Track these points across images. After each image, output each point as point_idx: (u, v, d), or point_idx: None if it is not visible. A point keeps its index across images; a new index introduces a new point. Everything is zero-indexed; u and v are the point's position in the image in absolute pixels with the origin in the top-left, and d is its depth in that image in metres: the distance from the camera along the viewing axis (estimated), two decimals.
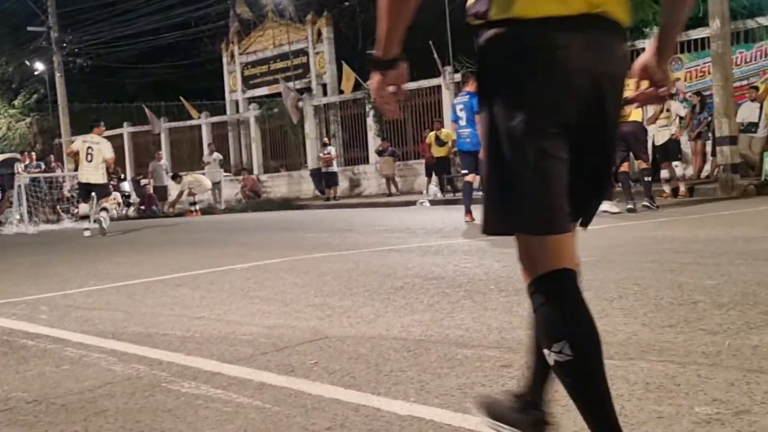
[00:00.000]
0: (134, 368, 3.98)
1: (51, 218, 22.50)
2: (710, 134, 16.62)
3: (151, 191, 26.52)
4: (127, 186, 28.78)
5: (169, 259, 9.76)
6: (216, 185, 25.96)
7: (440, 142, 20.86)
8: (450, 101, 19.33)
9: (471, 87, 11.82)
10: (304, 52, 29.58)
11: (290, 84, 28.23)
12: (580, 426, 2.17)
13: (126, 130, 34.72)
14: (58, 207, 23.47)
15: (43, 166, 26.46)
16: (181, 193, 24.77)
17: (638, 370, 3.30)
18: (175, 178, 25.77)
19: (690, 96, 17.72)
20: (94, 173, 15.42)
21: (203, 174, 25.87)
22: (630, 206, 11.94)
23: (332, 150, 24.84)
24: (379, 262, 7.75)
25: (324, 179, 25.01)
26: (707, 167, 17.41)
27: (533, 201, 2.07)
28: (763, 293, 4.78)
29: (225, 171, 27.94)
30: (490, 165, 2.14)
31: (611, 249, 7.58)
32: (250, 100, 31.86)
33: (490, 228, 2.18)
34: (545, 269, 2.11)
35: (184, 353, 4.24)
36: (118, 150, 31.88)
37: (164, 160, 28.60)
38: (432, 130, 21.71)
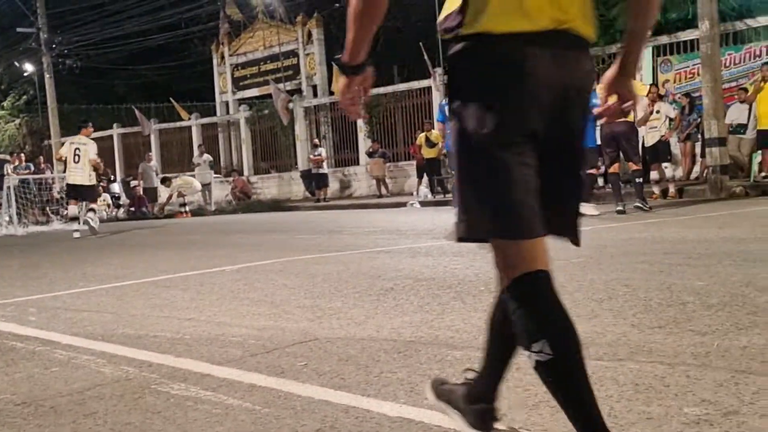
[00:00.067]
0: (124, 370, 3.97)
1: (40, 220, 22.43)
2: (699, 135, 16.67)
3: (141, 193, 26.45)
4: (116, 187, 28.73)
5: (159, 261, 9.74)
6: (206, 187, 25.93)
7: (431, 144, 20.87)
8: (440, 102, 19.36)
9: None
10: (294, 54, 29.57)
11: (280, 85, 28.20)
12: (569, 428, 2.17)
13: (116, 131, 34.67)
14: (47, 208, 23.39)
15: (32, 168, 26.36)
16: (170, 196, 24.73)
17: (627, 371, 3.31)
18: (165, 181, 25.72)
19: (679, 97, 17.77)
20: (81, 175, 15.44)
21: (193, 176, 25.83)
22: (619, 208, 11.96)
23: (323, 151, 24.83)
24: (369, 263, 7.75)
25: (314, 181, 24.99)
26: (696, 168, 17.46)
27: (506, 207, 2.13)
28: (751, 294, 4.80)
29: (215, 172, 27.91)
30: (461, 174, 2.22)
31: (601, 250, 7.60)
32: (241, 101, 31.84)
33: (464, 235, 2.22)
34: (520, 272, 2.16)
35: (174, 355, 4.23)
36: (108, 151, 31.97)
37: (154, 162, 28.53)
38: (422, 132, 21.73)
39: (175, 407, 3.27)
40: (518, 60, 2.13)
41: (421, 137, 21.41)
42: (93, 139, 16.08)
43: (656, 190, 14.84)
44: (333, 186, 25.89)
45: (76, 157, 15.32)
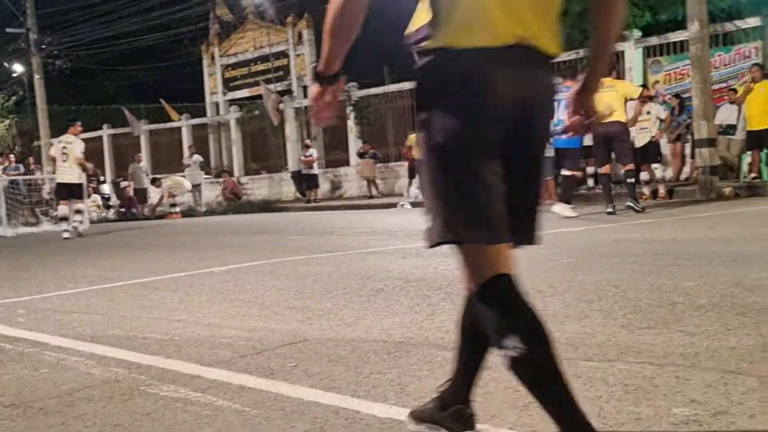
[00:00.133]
0: (113, 371, 3.96)
1: (30, 221, 22.33)
2: (689, 136, 16.70)
3: (131, 194, 26.37)
4: (106, 188, 28.64)
5: (149, 262, 9.72)
6: (196, 188, 25.90)
7: None
8: None
9: None
10: (284, 54, 29.57)
11: (271, 86, 28.17)
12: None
13: (106, 132, 34.57)
14: (36, 209, 23.30)
15: (22, 169, 26.29)
16: (162, 197, 24.67)
17: (617, 372, 3.31)
18: (154, 182, 25.67)
19: (669, 98, 17.81)
20: (69, 173, 15.50)
21: (183, 176, 25.79)
22: (609, 210, 11.97)
23: (314, 152, 24.80)
24: (359, 264, 7.75)
25: (305, 181, 24.98)
26: (686, 169, 17.49)
27: (476, 214, 2.21)
28: (740, 295, 4.81)
29: (205, 173, 27.88)
30: (431, 183, 2.28)
31: (591, 251, 7.62)
32: (231, 102, 31.82)
33: (436, 241, 2.28)
34: (489, 275, 2.24)
35: (163, 356, 4.22)
36: (98, 152, 31.89)
37: (144, 163, 28.45)
38: (413, 132, 21.69)
39: (164, 409, 3.27)
40: (481, 75, 2.21)
41: (412, 138, 21.36)
42: (83, 140, 16.08)
43: (646, 190, 14.87)
44: (324, 187, 25.89)
45: (64, 156, 15.40)
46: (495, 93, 2.21)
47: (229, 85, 31.94)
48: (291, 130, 28.13)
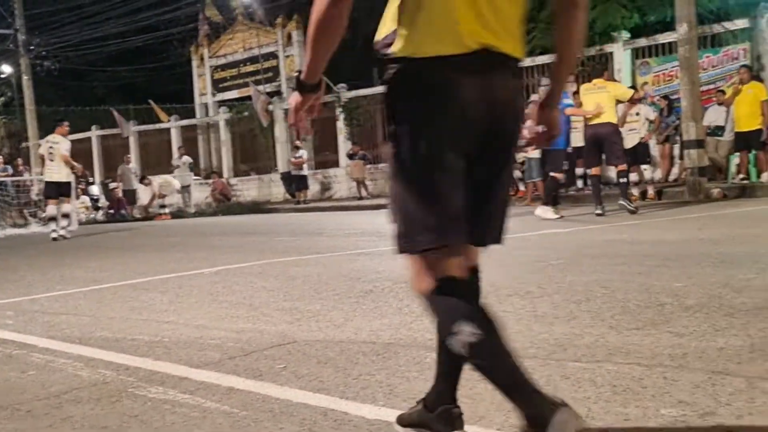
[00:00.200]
0: (101, 373, 3.95)
1: (18, 222, 22.28)
2: (678, 138, 16.75)
3: (120, 195, 26.31)
4: (95, 190, 28.56)
5: (138, 263, 9.69)
6: (185, 189, 25.86)
7: None
8: None
9: None
10: (274, 56, 29.53)
11: (260, 87, 28.14)
12: None
13: (94, 133, 34.44)
14: (25, 211, 23.23)
15: (10, 170, 26.17)
16: (154, 196, 24.60)
17: (605, 373, 3.32)
18: (143, 179, 25.64)
19: (658, 100, 17.85)
20: (57, 172, 15.57)
21: (173, 177, 25.75)
22: (598, 211, 11.98)
23: (304, 153, 24.76)
24: (348, 265, 7.74)
25: (294, 183, 24.96)
26: (675, 170, 17.54)
27: (435, 223, 2.28)
28: (728, 295, 4.83)
29: (195, 174, 27.81)
30: (397, 192, 2.34)
31: (580, 252, 7.63)
32: (220, 103, 31.75)
33: (402, 249, 2.36)
34: (441, 276, 2.32)
35: (152, 358, 4.21)
36: (87, 153, 31.79)
37: (133, 164, 28.38)
38: None
39: (152, 411, 3.26)
40: (448, 83, 2.26)
41: None
42: (72, 140, 16.09)
43: (635, 191, 14.90)
44: (313, 188, 25.87)
45: (51, 155, 15.49)
46: (461, 102, 2.26)
47: (218, 86, 31.88)
48: (280, 131, 28.10)
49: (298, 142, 25.76)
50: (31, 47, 33.32)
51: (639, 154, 15.42)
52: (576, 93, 16.23)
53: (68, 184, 15.98)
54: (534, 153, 15.09)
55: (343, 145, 26.03)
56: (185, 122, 32.13)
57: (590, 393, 3.06)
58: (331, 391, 3.35)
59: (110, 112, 31.93)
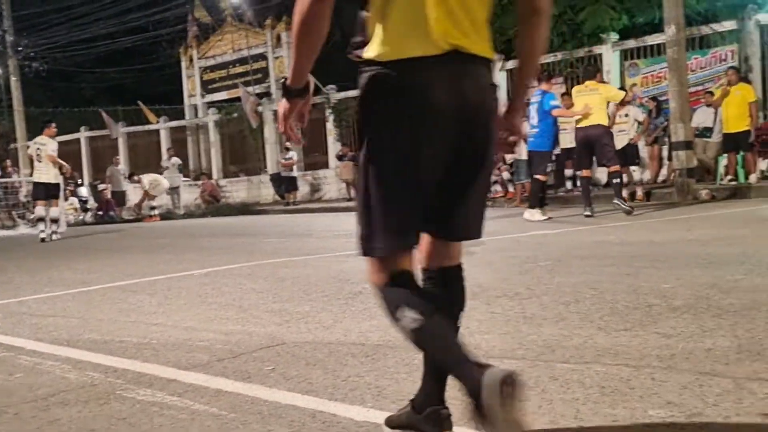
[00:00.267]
0: (89, 376, 3.94)
1: (6, 224, 22.21)
2: (666, 139, 16.80)
3: (109, 196, 26.26)
4: (84, 191, 28.46)
5: (127, 265, 9.66)
6: (175, 190, 25.81)
7: None
8: None
9: None
10: (263, 57, 29.51)
11: (249, 88, 28.12)
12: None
13: (83, 134, 34.33)
14: (13, 212, 23.15)
15: None
16: (145, 194, 24.53)
17: (593, 374, 3.32)
18: (131, 176, 25.62)
19: (646, 101, 17.90)
20: (46, 173, 15.63)
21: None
22: (587, 213, 12.01)
23: (294, 155, 24.74)
24: (337, 267, 7.74)
25: (284, 184, 24.94)
26: (664, 171, 17.59)
27: (393, 227, 2.37)
28: (716, 296, 4.84)
29: (184, 176, 27.76)
30: (360, 192, 2.43)
31: (568, 253, 7.64)
32: (209, 104, 31.71)
33: (363, 252, 2.46)
34: (394, 271, 2.41)
35: (141, 360, 4.20)
36: (75, 155, 31.68)
37: (122, 165, 28.36)
38: None
39: (140, 413, 3.25)
40: (419, 85, 2.28)
41: None
42: (60, 142, 16.12)
43: (624, 193, 14.93)
44: (303, 189, 25.86)
45: (38, 157, 15.56)
46: (432, 104, 2.30)
47: (207, 87, 31.84)
48: (270, 132, 28.08)
49: (287, 144, 25.72)
50: (19, 48, 33.24)
51: (628, 156, 15.47)
52: (565, 95, 16.31)
53: (57, 185, 15.97)
54: (522, 154, 15.11)
55: (333, 147, 26.02)
56: (174, 123, 32.08)
57: (579, 394, 3.07)
58: (319, 393, 3.34)
59: (99, 114, 31.83)
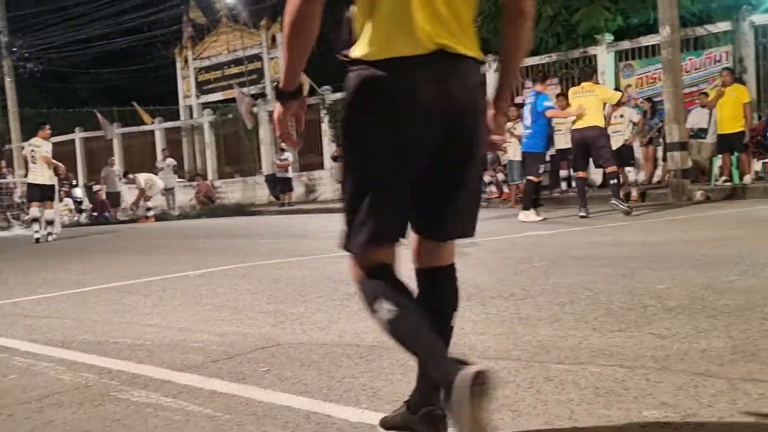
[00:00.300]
0: (83, 377, 3.93)
1: (1, 225, 22.18)
2: (661, 140, 16.82)
3: (104, 197, 26.22)
4: (79, 192, 28.42)
5: (121, 266, 9.65)
6: (169, 191, 25.78)
7: None
8: None
9: None
10: (258, 58, 29.51)
11: (244, 89, 28.10)
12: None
13: (78, 135, 34.27)
14: (8, 213, 23.12)
15: None
16: (142, 193, 24.49)
17: (588, 375, 3.32)
18: (126, 174, 25.60)
19: (641, 102, 17.92)
20: (41, 174, 15.68)
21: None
22: (582, 214, 12.01)
23: (289, 156, 24.72)
24: (332, 268, 7.73)
25: (279, 185, 24.93)
26: (658, 172, 17.61)
27: (376, 222, 2.38)
28: (711, 297, 4.85)
29: (179, 177, 27.75)
30: (346, 190, 2.46)
31: (563, 254, 7.65)
32: (204, 105, 31.69)
33: (344, 246, 2.48)
34: (375, 263, 2.44)
35: (135, 361, 4.20)
36: (70, 155, 31.62)
37: (117, 166, 28.32)
38: None
39: (135, 414, 3.24)
40: (404, 85, 2.30)
41: None
42: (55, 143, 16.14)
43: (610, 190, 14.94)
44: (298, 190, 25.84)
45: (33, 159, 15.59)
46: (417, 104, 2.30)
47: (202, 88, 31.82)
48: (265, 133, 28.06)
49: (282, 145, 25.69)
50: (14, 49, 33.16)
51: (623, 157, 15.48)
52: (560, 95, 16.32)
53: (52, 187, 16.04)
54: (516, 155, 15.13)
55: (328, 147, 26.00)
56: (169, 124, 32.04)
57: (573, 395, 3.07)
58: (314, 394, 3.34)
59: (94, 114, 31.80)
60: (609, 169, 12.31)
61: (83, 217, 26.02)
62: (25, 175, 16.92)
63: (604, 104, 12.31)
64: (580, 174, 12.62)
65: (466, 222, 2.55)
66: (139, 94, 34.06)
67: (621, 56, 19.35)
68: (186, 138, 31.72)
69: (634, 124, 16.37)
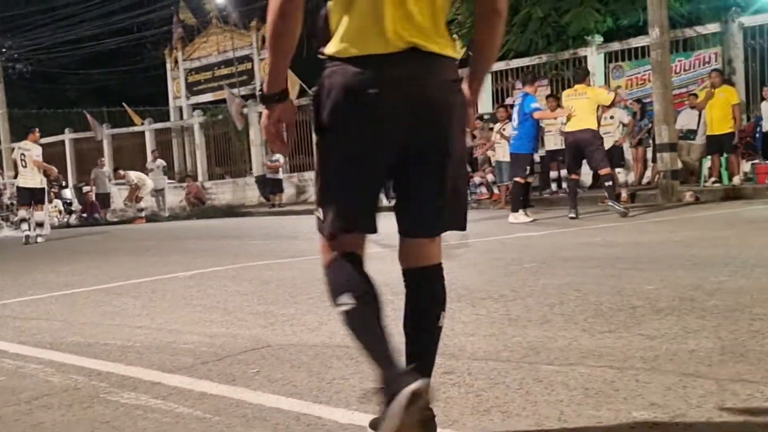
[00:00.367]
0: (73, 379, 3.92)
1: None
2: (651, 141, 16.87)
3: (94, 198, 26.16)
4: (68, 193, 28.36)
5: (111, 268, 9.62)
6: (160, 192, 25.73)
7: None
8: None
9: None
10: (248, 59, 29.51)
11: (235, 90, 28.08)
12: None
13: (68, 136, 34.16)
14: None
15: None
16: (136, 189, 24.41)
17: (578, 376, 3.33)
18: (117, 171, 25.58)
19: (631, 103, 17.96)
20: (31, 178, 15.71)
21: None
22: (572, 215, 12.02)
23: (280, 157, 24.66)
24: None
25: (269, 186, 24.90)
26: (648, 173, 17.66)
27: (343, 210, 2.44)
28: (700, 298, 4.86)
29: (169, 178, 27.69)
30: (318, 180, 2.51)
31: (553, 255, 7.66)
32: (195, 106, 31.65)
33: (319, 229, 2.53)
34: (341, 251, 2.51)
35: (124, 363, 4.19)
36: (60, 156, 31.52)
37: (107, 167, 28.25)
38: None
39: (124, 416, 3.24)
40: (376, 82, 2.32)
41: None
42: (45, 144, 16.14)
43: (606, 193, 14.98)
44: (288, 191, 25.81)
45: (23, 162, 15.60)
46: (387, 101, 2.32)
47: (192, 89, 31.79)
48: (255, 134, 28.01)
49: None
50: (3, 50, 33.07)
51: (613, 158, 15.50)
52: (549, 96, 16.35)
53: (42, 190, 16.06)
54: (505, 156, 15.13)
55: None
56: (159, 125, 31.96)
57: (563, 396, 3.07)
58: (304, 396, 3.34)
59: (83, 115, 31.74)
60: (603, 172, 12.29)
61: (73, 219, 25.97)
62: (15, 177, 16.89)
63: (598, 106, 12.30)
64: (573, 176, 12.63)
65: (449, 219, 2.56)
66: (128, 95, 34.01)
67: (611, 58, 19.39)
68: (176, 139, 31.66)
69: (624, 125, 16.40)
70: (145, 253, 11.82)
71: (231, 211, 24.48)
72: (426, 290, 2.62)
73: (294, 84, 26.01)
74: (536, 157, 15.32)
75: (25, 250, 14.39)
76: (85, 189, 27.25)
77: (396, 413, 2.12)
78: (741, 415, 2.75)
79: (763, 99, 16.08)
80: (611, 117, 15.71)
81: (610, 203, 12.20)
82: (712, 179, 15.82)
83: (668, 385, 3.11)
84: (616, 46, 19.19)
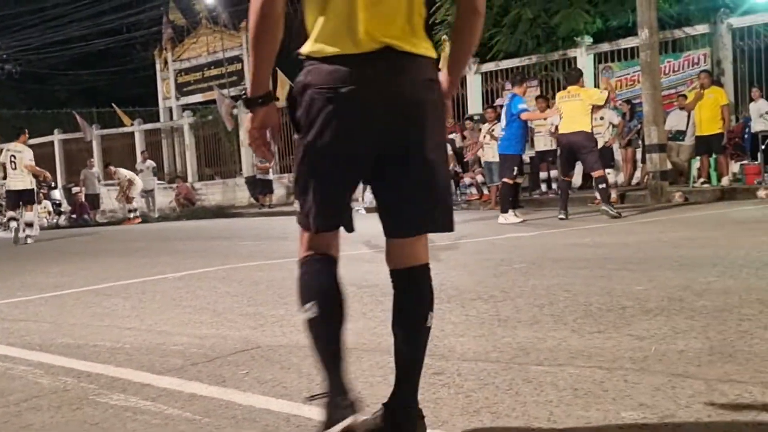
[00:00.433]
0: (62, 381, 3.91)
1: None
2: (640, 142, 16.91)
3: (83, 199, 26.09)
4: (57, 194, 28.28)
5: (100, 269, 9.60)
6: (149, 193, 25.68)
7: None
8: None
9: None
10: (238, 59, 29.45)
11: (225, 91, 28.03)
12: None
13: (57, 137, 34.07)
14: None
15: None
16: (129, 185, 24.33)
17: (567, 376, 3.34)
18: (107, 166, 25.55)
19: (620, 104, 18.01)
20: (21, 180, 15.71)
21: None
22: (561, 215, 12.04)
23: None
24: None
25: (259, 187, 24.87)
26: (638, 174, 17.71)
27: (316, 208, 2.46)
28: (689, 299, 4.88)
29: (158, 179, 27.64)
30: (296, 176, 2.54)
31: (543, 256, 7.67)
32: (184, 107, 31.59)
33: (298, 223, 2.56)
34: (312, 252, 2.54)
35: (114, 365, 4.18)
36: (49, 157, 31.43)
37: (96, 168, 28.17)
38: None
39: (113, 418, 3.23)
40: (350, 81, 2.34)
41: None
42: (34, 144, 16.11)
43: (599, 195, 15.00)
44: (278, 192, 25.79)
45: (13, 164, 15.59)
46: (361, 101, 2.34)
47: (182, 89, 31.73)
48: (245, 135, 27.94)
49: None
50: None
51: (604, 158, 15.53)
52: (539, 97, 16.38)
53: (31, 191, 16.03)
54: (494, 157, 15.14)
55: None
56: (149, 126, 31.91)
57: (552, 396, 3.08)
58: (294, 397, 3.33)
59: (73, 116, 31.63)
60: (596, 174, 12.26)
61: (62, 220, 25.89)
62: (3, 178, 16.85)
63: (592, 107, 12.30)
64: (566, 178, 12.64)
65: (432, 217, 2.56)
66: (118, 96, 33.92)
67: (600, 59, 19.44)
68: (166, 140, 31.60)
69: (614, 126, 16.44)
70: (135, 254, 11.79)
71: (221, 212, 24.46)
72: (413, 291, 2.61)
73: (284, 84, 26.01)
74: (525, 158, 15.33)
75: (14, 251, 14.34)
76: (75, 190, 27.17)
77: None
78: (730, 415, 2.76)
79: (751, 100, 16.16)
80: (601, 118, 15.74)
81: (603, 207, 12.17)
82: (701, 180, 15.88)
83: (657, 386, 3.12)
84: (605, 47, 19.24)
